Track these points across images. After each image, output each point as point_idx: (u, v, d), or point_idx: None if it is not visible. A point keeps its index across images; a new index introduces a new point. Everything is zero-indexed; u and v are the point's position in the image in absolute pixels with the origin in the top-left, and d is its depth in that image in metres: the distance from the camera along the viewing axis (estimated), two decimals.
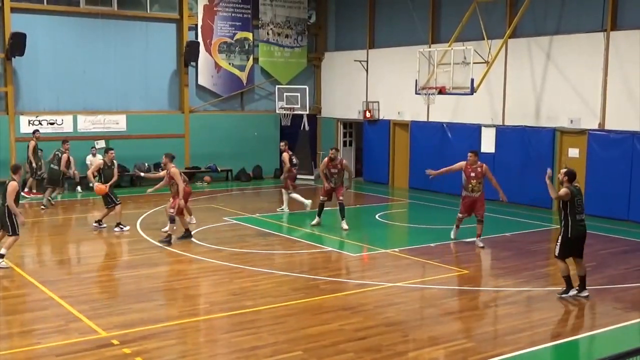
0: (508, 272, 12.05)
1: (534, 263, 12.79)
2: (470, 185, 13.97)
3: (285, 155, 17.88)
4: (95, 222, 15.56)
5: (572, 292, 10.58)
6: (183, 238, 14.27)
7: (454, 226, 14.61)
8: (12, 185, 11.72)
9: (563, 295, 10.56)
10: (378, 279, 11.64)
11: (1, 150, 20.19)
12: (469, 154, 14.19)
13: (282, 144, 18.48)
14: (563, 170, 10.72)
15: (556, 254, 10.57)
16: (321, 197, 16.06)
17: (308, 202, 17.85)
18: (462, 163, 14.14)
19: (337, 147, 17.13)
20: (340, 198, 15.76)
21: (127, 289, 11.02)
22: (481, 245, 13.96)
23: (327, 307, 10.03)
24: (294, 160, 18.04)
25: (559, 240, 10.51)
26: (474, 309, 10.29)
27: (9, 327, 9.15)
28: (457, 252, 13.68)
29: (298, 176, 24.39)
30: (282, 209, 18.04)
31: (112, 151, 15.69)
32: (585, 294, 10.62)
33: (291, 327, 9.16)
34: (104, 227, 15.48)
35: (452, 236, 14.59)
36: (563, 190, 10.38)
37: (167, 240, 13.88)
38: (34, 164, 19.43)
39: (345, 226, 15.61)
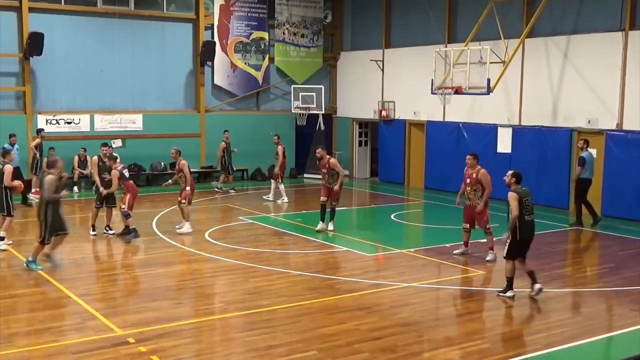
0: (524, 273, 11.95)
1: (550, 264, 12.70)
2: (466, 192, 12.95)
3: (280, 148, 19.47)
4: (105, 228, 14.94)
5: (510, 293, 10.44)
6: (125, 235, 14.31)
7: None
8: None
9: (501, 295, 10.48)
10: (393, 279, 11.61)
11: (19, 149, 20.28)
12: (467, 157, 12.99)
13: (275, 137, 20.13)
14: (510, 172, 10.60)
15: (504, 255, 10.51)
16: (321, 198, 15.48)
17: (286, 199, 19.51)
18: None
19: (323, 146, 16.32)
20: (333, 203, 15.32)
21: (142, 287, 11.07)
22: (488, 258, 12.76)
23: (342, 307, 10.03)
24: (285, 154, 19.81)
25: (508, 242, 10.37)
26: (489, 310, 10.24)
27: (26, 324, 9.22)
28: (472, 253, 13.59)
29: (312, 176, 24.61)
30: (268, 197, 19.68)
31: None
32: (537, 286, 10.46)
33: (306, 326, 9.16)
34: (112, 233, 14.95)
35: (454, 252, 13.31)
36: (510, 195, 10.25)
37: (130, 233, 14.19)
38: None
39: (330, 227, 15.33)
